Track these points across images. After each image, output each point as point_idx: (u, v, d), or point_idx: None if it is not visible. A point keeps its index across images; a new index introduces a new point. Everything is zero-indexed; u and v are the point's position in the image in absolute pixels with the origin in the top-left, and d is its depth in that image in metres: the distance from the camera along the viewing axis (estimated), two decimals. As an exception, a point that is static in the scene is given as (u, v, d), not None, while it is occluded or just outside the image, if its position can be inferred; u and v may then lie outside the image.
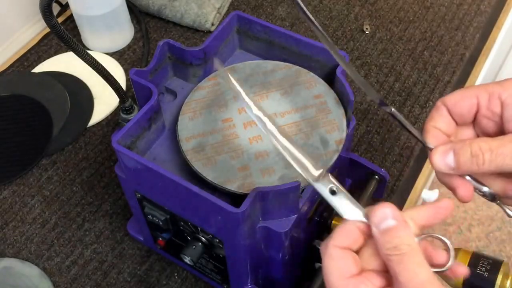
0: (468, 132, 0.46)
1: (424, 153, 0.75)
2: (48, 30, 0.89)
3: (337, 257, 0.38)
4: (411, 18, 0.90)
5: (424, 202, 0.90)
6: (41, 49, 0.87)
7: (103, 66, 0.53)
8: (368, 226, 0.38)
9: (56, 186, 0.72)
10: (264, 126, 0.40)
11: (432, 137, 0.44)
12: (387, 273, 0.39)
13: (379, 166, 0.65)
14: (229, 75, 0.40)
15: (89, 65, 0.51)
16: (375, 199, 0.65)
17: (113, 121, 0.78)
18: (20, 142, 0.75)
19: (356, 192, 0.63)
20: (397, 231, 0.37)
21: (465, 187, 0.43)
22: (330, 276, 0.38)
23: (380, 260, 0.38)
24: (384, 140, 0.74)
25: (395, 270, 0.36)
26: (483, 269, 0.54)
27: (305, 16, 0.41)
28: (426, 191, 0.89)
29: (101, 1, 0.80)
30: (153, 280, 0.64)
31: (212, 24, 0.87)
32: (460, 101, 0.44)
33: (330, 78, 0.56)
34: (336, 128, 0.52)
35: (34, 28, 0.92)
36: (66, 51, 0.86)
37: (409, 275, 0.35)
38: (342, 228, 0.39)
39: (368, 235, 0.39)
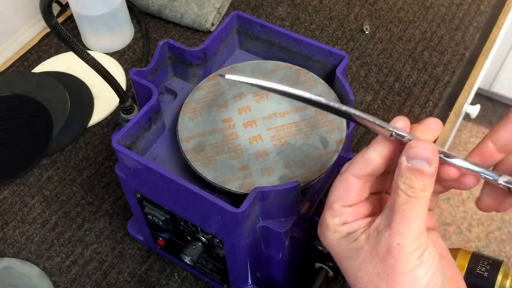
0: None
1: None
2: (48, 30, 0.89)
3: (346, 185, 0.39)
4: (411, 18, 0.90)
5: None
6: (41, 49, 0.87)
7: (103, 66, 0.53)
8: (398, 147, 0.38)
9: (56, 186, 0.72)
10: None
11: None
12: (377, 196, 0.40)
13: (379, 166, 0.65)
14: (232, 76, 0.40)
15: (89, 65, 0.51)
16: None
17: (113, 121, 0.78)
18: (20, 142, 0.75)
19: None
20: (423, 177, 0.36)
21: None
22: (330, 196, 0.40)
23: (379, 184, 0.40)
24: (384, 140, 0.74)
25: (394, 206, 0.36)
26: (483, 269, 0.54)
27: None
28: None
29: (101, 1, 0.80)
30: (153, 280, 0.64)
31: (212, 24, 0.87)
32: None
33: (330, 78, 0.56)
34: (336, 128, 0.52)
35: (34, 28, 0.92)
36: (66, 51, 0.86)
37: (403, 220, 0.36)
38: (363, 157, 0.39)
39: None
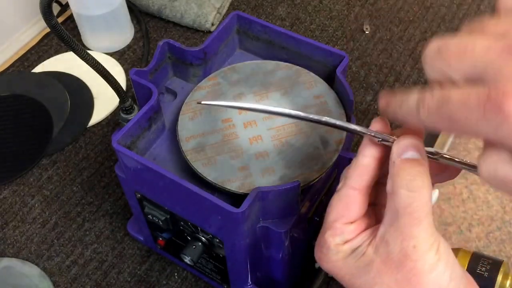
0: None
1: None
2: (48, 30, 0.89)
3: (346, 200, 0.38)
4: (411, 18, 0.90)
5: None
6: (41, 49, 0.87)
7: (103, 66, 0.53)
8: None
9: (56, 186, 0.72)
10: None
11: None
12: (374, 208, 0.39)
13: (379, 166, 0.65)
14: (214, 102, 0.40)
15: (89, 65, 0.51)
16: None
17: (113, 121, 0.78)
18: (20, 142, 0.75)
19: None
20: (421, 165, 0.35)
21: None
22: (329, 215, 0.39)
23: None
24: (384, 140, 0.75)
25: (398, 210, 0.35)
26: (483, 269, 0.54)
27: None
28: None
29: (101, 1, 0.80)
30: (153, 280, 0.64)
31: (212, 24, 0.87)
32: None
33: (330, 78, 0.56)
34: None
35: (34, 28, 0.92)
36: (66, 51, 0.86)
37: (412, 222, 0.34)
38: (357, 166, 0.38)
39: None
